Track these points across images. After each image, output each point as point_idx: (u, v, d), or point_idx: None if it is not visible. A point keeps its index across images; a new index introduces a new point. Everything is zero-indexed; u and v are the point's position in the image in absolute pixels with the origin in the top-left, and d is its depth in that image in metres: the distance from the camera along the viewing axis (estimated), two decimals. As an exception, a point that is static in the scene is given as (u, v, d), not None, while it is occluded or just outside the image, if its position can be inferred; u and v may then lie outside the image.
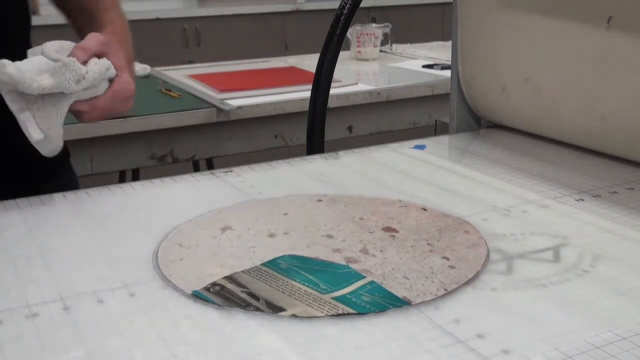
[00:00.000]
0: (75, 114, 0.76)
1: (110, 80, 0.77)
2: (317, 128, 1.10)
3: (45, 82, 0.69)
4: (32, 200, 0.75)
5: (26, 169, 0.88)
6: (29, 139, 0.71)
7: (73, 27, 0.92)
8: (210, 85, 1.76)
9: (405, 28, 3.32)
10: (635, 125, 0.81)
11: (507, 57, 0.96)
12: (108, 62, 0.75)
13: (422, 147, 0.95)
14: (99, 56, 0.75)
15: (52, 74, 0.70)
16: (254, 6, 3.65)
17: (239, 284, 0.55)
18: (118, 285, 0.56)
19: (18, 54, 0.82)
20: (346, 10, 1.06)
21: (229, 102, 1.62)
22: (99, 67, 0.73)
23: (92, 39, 0.76)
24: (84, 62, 0.73)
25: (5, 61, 0.68)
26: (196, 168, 2.06)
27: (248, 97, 1.67)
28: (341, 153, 0.93)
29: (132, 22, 0.91)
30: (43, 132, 0.71)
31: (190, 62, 2.84)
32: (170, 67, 2.10)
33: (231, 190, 0.79)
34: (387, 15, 3.59)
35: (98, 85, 0.75)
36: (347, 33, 1.18)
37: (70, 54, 0.72)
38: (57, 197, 0.77)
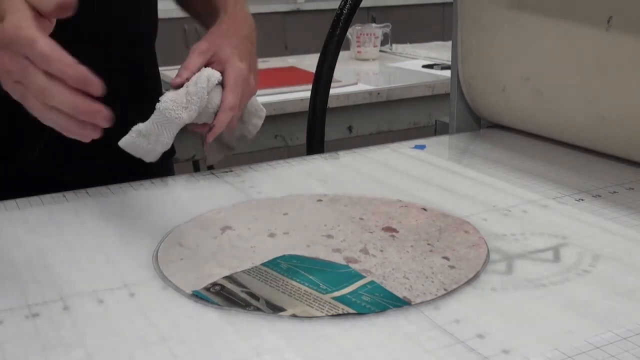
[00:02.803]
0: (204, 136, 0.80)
1: (222, 82, 0.79)
2: (317, 128, 1.10)
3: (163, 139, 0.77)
4: (32, 200, 0.75)
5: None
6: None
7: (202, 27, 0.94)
8: (210, 85, 1.76)
9: (405, 28, 3.32)
10: (635, 125, 0.81)
11: (507, 57, 0.96)
12: (207, 72, 0.77)
13: (422, 147, 0.95)
14: (208, 64, 0.78)
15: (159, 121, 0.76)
16: (254, 6, 3.64)
17: (239, 284, 0.55)
18: (118, 285, 0.56)
19: (141, 57, 0.86)
20: (346, 10, 1.06)
21: (229, 102, 1.61)
22: (198, 86, 0.76)
23: (193, 54, 0.78)
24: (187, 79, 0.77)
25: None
26: (196, 168, 2.06)
27: (248, 97, 1.67)
28: (341, 153, 0.93)
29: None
30: (147, 148, 0.77)
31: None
32: (171, 67, 2.09)
33: (231, 190, 0.79)
34: (387, 15, 3.59)
35: (210, 98, 0.77)
36: (347, 33, 1.18)
37: (177, 75, 0.77)
38: (57, 197, 0.77)
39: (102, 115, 0.58)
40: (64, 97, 0.57)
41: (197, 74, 0.77)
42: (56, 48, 0.57)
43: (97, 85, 0.57)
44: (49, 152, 0.83)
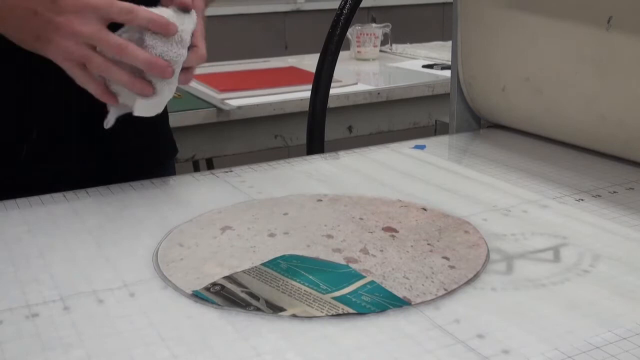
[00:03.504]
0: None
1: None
2: (317, 128, 1.10)
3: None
4: (32, 200, 0.75)
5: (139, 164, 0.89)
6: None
7: None
8: (210, 85, 1.76)
9: (405, 28, 3.32)
10: (635, 125, 0.81)
11: (507, 57, 0.96)
12: (193, 12, 0.76)
13: (422, 147, 0.95)
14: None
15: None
16: (254, 6, 3.64)
17: (239, 284, 0.55)
18: (118, 285, 0.56)
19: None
20: (346, 10, 1.06)
21: (229, 102, 1.62)
22: (190, 25, 0.74)
23: None
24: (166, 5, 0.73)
25: None
26: (196, 168, 2.06)
27: (248, 97, 1.67)
28: (341, 153, 0.93)
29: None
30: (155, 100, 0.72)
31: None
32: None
33: (231, 190, 0.79)
34: (387, 15, 3.59)
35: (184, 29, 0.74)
36: (347, 33, 1.18)
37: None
38: (57, 197, 0.76)
39: (171, 70, 0.69)
40: (126, 77, 0.68)
41: (187, 17, 0.74)
42: (125, 41, 0.66)
43: (166, 67, 0.68)
44: (48, 152, 0.83)
